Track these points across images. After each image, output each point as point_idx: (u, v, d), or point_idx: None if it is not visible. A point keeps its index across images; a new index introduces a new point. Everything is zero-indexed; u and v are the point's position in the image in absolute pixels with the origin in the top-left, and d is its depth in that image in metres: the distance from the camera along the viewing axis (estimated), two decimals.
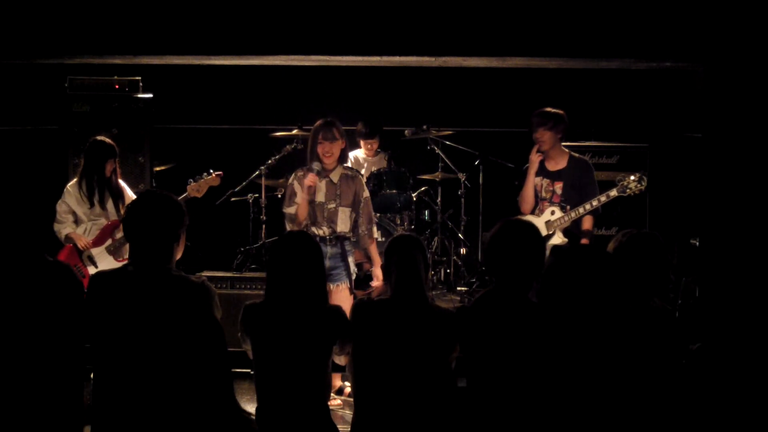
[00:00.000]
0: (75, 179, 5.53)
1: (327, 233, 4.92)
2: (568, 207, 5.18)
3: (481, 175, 7.33)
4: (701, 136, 5.26)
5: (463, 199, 7.18)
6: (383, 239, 6.11)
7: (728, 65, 4.95)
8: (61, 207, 5.44)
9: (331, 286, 4.82)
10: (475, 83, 7.61)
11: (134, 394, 2.97)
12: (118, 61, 5.62)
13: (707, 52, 5.01)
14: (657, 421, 3.12)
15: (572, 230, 5.20)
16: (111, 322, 3.03)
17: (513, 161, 6.98)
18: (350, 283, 4.96)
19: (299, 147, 6.57)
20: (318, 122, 4.97)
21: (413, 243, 3.50)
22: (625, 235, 3.35)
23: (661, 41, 5.07)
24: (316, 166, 4.89)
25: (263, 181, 6.81)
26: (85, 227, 5.46)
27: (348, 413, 4.58)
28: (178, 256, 3.23)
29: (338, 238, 4.94)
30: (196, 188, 5.40)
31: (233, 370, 3.09)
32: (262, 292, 3.63)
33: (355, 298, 4.91)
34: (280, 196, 6.75)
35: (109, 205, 5.47)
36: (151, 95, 6.47)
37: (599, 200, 5.12)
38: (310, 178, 4.87)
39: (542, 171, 5.31)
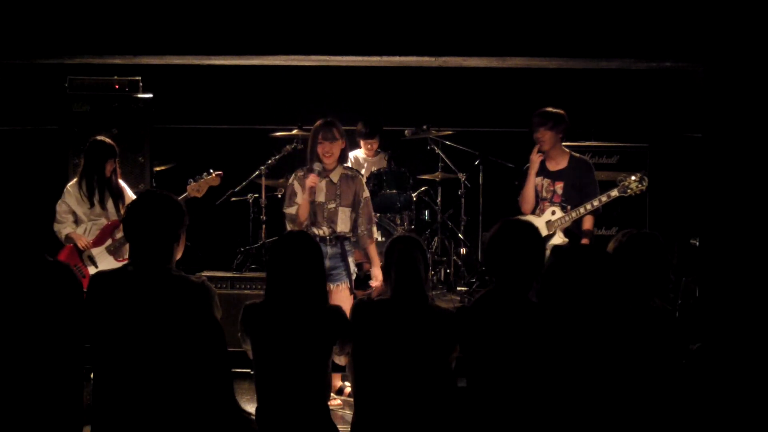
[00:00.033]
0: (75, 179, 5.53)
1: (327, 233, 4.92)
2: (569, 207, 5.18)
3: (481, 175, 7.33)
4: (701, 136, 5.26)
5: (463, 199, 7.18)
6: (383, 239, 6.11)
7: (728, 65, 4.95)
8: (61, 207, 5.44)
9: (331, 286, 4.82)
10: (475, 83, 7.61)
11: (134, 395, 2.97)
12: (118, 61, 5.62)
13: (707, 52, 5.01)
14: (657, 421, 3.11)
15: (573, 230, 5.19)
16: (111, 322, 3.03)
17: (513, 161, 6.98)
18: (350, 283, 4.96)
19: (299, 147, 6.57)
20: (318, 122, 4.97)
21: (413, 243, 3.51)
22: (625, 235, 3.35)
23: (661, 41, 5.07)
24: (317, 166, 4.89)
25: (263, 181, 6.81)
26: (85, 227, 5.46)
27: (348, 413, 4.58)
28: (178, 256, 3.24)
29: (338, 238, 4.94)
30: (196, 188, 5.41)
31: (233, 370, 3.09)
32: (262, 292, 3.62)
33: (355, 298, 4.91)
34: (280, 196, 6.75)
35: (109, 205, 5.47)
36: (151, 95, 6.47)
37: (600, 200, 5.12)
38: (312, 179, 4.86)
39: (543, 171, 5.31)
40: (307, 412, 3.31)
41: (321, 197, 4.94)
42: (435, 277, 7.07)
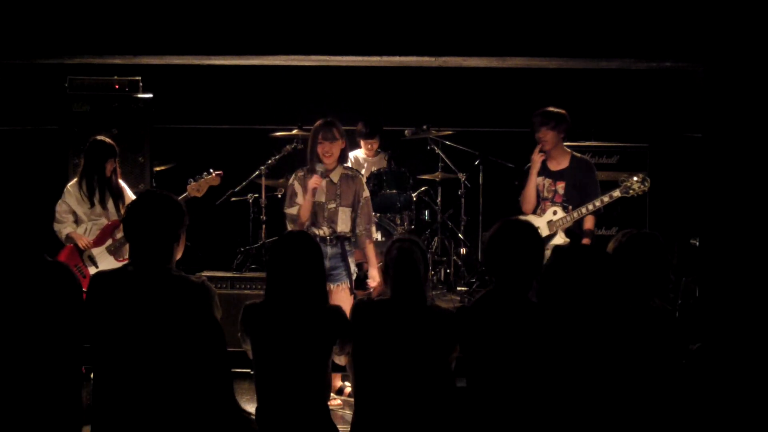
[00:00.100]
0: (75, 179, 5.53)
1: (327, 233, 4.92)
2: (570, 207, 5.18)
3: (481, 175, 7.33)
4: (701, 136, 5.26)
5: (463, 199, 7.18)
6: (383, 239, 6.12)
7: (728, 65, 4.95)
8: (61, 207, 5.44)
9: (332, 286, 4.82)
10: (475, 83, 7.61)
11: (134, 395, 2.97)
12: (118, 61, 5.63)
13: (707, 52, 5.01)
14: (657, 421, 3.11)
15: (574, 230, 5.19)
16: (111, 322, 3.03)
17: (513, 161, 6.99)
18: (350, 283, 4.96)
19: (299, 147, 6.57)
20: (318, 122, 4.97)
21: (413, 243, 3.50)
22: (625, 235, 3.35)
23: (661, 41, 5.07)
24: (319, 167, 4.89)
25: (263, 181, 6.81)
26: (86, 227, 5.46)
27: (348, 413, 4.58)
28: (178, 256, 3.23)
29: (338, 238, 4.94)
30: (196, 188, 5.40)
31: (233, 370, 3.08)
32: (262, 292, 3.62)
33: (355, 298, 4.91)
34: (280, 196, 6.75)
35: (110, 205, 5.47)
36: (151, 95, 6.48)
37: (602, 200, 5.12)
38: (316, 180, 4.86)
39: (544, 171, 5.31)
40: (307, 412, 3.31)
41: (321, 197, 4.94)
42: (435, 277, 7.07)
